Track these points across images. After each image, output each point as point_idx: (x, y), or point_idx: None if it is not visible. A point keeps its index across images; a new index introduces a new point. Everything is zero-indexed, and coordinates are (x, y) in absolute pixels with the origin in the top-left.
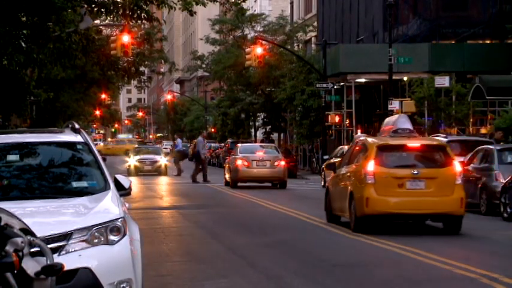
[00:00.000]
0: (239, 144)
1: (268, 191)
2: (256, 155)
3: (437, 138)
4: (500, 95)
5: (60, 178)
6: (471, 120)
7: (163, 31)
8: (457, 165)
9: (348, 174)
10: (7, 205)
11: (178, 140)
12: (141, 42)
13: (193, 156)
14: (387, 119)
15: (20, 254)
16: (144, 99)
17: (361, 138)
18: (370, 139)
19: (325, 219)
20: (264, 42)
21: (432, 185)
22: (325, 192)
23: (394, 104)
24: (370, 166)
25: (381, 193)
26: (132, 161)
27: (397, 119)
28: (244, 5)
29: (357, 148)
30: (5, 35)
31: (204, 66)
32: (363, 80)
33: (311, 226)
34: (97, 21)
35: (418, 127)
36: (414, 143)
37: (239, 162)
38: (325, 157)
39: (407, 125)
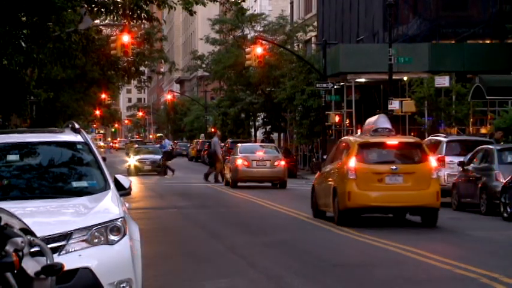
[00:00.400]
0: (239, 144)
1: (268, 191)
2: (256, 155)
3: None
4: (500, 94)
5: (60, 178)
6: (471, 120)
7: (163, 31)
8: (432, 161)
9: (332, 171)
10: (7, 205)
11: (166, 141)
12: (141, 42)
13: (209, 155)
14: (368, 119)
15: (20, 253)
16: (144, 99)
17: (344, 138)
18: (352, 138)
19: (324, 219)
20: (264, 42)
21: (410, 180)
22: (311, 189)
23: (394, 104)
24: (352, 163)
25: (362, 188)
26: (132, 160)
27: (377, 119)
28: (244, 5)
29: (340, 147)
30: (5, 34)
31: (204, 66)
32: (363, 80)
33: (311, 226)
34: (97, 21)
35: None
36: (393, 141)
37: (239, 162)
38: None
39: (387, 124)
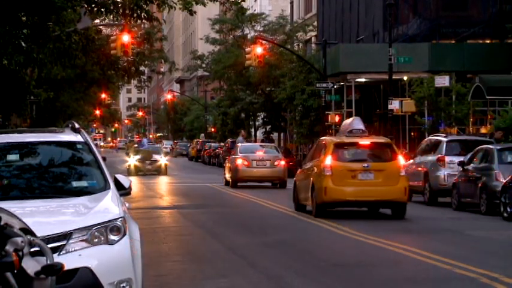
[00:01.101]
0: (239, 144)
1: (268, 191)
2: (256, 155)
3: (437, 136)
4: (500, 94)
5: (60, 178)
6: (471, 119)
7: (163, 31)
8: (401, 160)
9: (311, 168)
10: (7, 205)
11: (144, 140)
12: (141, 41)
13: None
14: (344, 121)
15: (20, 253)
16: (144, 98)
17: (322, 138)
18: (329, 138)
19: (324, 219)
20: (264, 41)
21: (380, 176)
22: (293, 185)
23: (394, 104)
24: (328, 160)
25: (337, 183)
26: (132, 160)
27: (352, 121)
28: (244, 5)
29: (319, 146)
30: (5, 34)
31: (204, 65)
32: (362, 80)
33: (311, 226)
34: (97, 21)
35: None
36: (365, 141)
37: (239, 161)
38: None
39: (361, 126)
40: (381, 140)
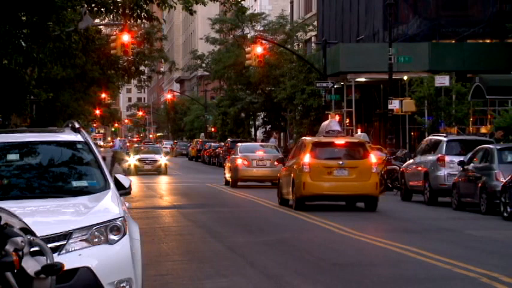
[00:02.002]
0: (239, 144)
1: (268, 190)
2: (256, 155)
3: (437, 136)
4: (500, 94)
5: (60, 177)
6: (471, 119)
7: (163, 30)
8: (372, 158)
9: (292, 165)
10: (7, 204)
11: (116, 140)
12: (141, 41)
13: None
14: (323, 123)
15: (20, 253)
16: (144, 98)
17: (303, 138)
18: (308, 138)
19: (325, 219)
20: (264, 41)
21: (354, 173)
22: (277, 181)
23: (394, 104)
24: (306, 158)
25: (314, 179)
26: (132, 160)
27: (329, 123)
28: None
29: (300, 145)
30: (5, 34)
31: (204, 65)
32: (363, 79)
33: (311, 225)
34: (97, 21)
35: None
36: (340, 141)
37: (239, 161)
38: None
39: (337, 127)
40: (355, 140)
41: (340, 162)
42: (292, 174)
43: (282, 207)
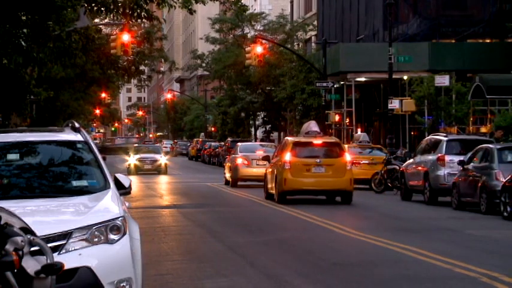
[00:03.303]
0: (239, 143)
1: None
2: (256, 154)
3: (437, 136)
4: (500, 94)
5: (60, 177)
6: (471, 119)
7: (163, 30)
8: (347, 156)
9: (276, 163)
10: (7, 204)
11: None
12: (141, 41)
13: None
14: (304, 125)
15: (20, 253)
16: (144, 98)
17: (285, 138)
18: (289, 138)
19: (325, 218)
20: (264, 41)
21: (330, 170)
22: (264, 177)
23: (394, 103)
24: (287, 157)
25: (294, 175)
26: (132, 159)
27: (309, 125)
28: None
29: (283, 145)
30: (5, 34)
31: (204, 65)
32: (362, 79)
33: (311, 225)
34: (97, 20)
35: (418, 126)
36: (318, 141)
37: (239, 161)
38: None
39: (316, 128)
40: (331, 140)
41: (318, 160)
42: (275, 171)
43: (282, 206)
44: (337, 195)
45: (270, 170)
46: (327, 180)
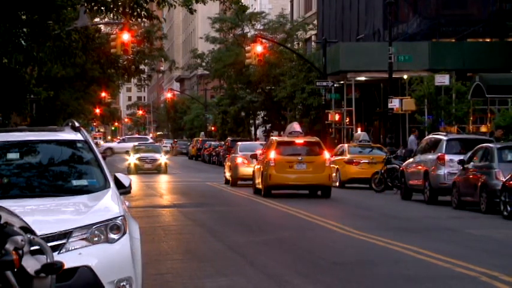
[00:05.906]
0: (239, 143)
1: None
2: (256, 154)
3: (437, 135)
4: (500, 93)
5: (60, 176)
6: (471, 118)
7: (163, 29)
8: (326, 154)
9: (262, 160)
10: (7, 203)
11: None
12: (141, 40)
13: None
14: (288, 126)
15: (20, 252)
16: (144, 97)
17: (271, 138)
18: (275, 138)
19: (325, 218)
20: (264, 40)
21: (311, 167)
22: (252, 173)
23: (394, 102)
24: (272, 154)
25: (278, 171)
26: (132, 159)
27: (291, 126)
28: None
29: (268, 144)
30: (5, 33)
31: (204, 64)
32: (363, 78)
33: (311, 225)
34: (97, 19)
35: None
36: (300, 140)
37: (239, 160)
38: None
39: (298, 129)
40: (312, 139)
41: (300, 158)
42: (261, 168)
43: (282, 206)
44: (317, 190)
45: (258, 167)
46: (307, 176)
